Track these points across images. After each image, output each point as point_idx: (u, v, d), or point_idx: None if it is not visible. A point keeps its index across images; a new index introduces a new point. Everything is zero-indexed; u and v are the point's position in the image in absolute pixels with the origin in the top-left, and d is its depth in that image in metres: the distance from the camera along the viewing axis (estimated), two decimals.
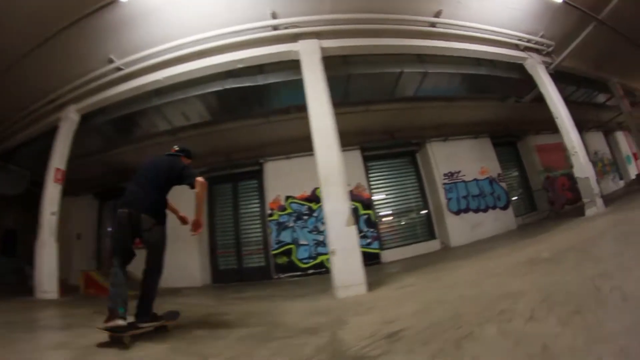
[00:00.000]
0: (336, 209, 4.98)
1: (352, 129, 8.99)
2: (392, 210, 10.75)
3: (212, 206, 9.84)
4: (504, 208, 11.68)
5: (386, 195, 10.87)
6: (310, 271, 8.93)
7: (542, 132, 14.79)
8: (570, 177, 15.05)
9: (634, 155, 21.85)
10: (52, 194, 6.79)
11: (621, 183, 19.40)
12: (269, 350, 2.63)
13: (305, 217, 9.44)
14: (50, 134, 7.25)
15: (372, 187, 10.66)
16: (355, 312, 3.73)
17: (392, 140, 10.79)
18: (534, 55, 8.92)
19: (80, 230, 10.63)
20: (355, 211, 9.14)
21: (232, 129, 8.70)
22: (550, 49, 9.21)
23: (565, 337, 1.85)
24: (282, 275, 8.93)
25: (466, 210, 10.86)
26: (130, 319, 2.91)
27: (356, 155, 10.21)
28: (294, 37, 6.30)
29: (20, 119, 7.80)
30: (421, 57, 7.61)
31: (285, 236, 9.26)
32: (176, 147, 3.71)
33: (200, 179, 3.18)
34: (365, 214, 9.75)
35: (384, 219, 10.53)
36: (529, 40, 8.75)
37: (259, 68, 6.85)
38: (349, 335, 2.82)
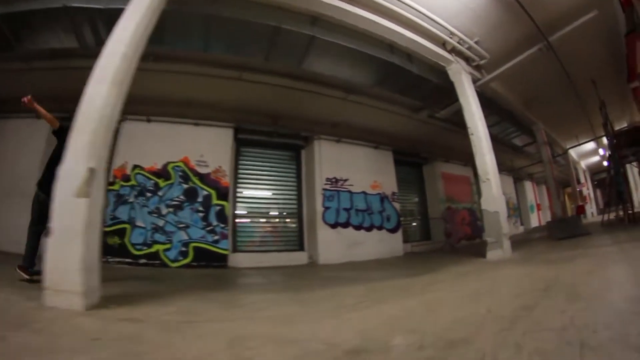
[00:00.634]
0: (70, 167, 3.01)
1: (224, 100, 7.90)
2: (258, 208, 9.04)
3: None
4: (393, 230, 10.51)
5: (254, 189, 9.10)
6: (143, 261, 7.02)
7: (451, 161, 14.31)
8: (472, 213, 14.83)
9: (538, 205, 22.90)
10: None
11: (521, 228, 19.96)
12: None
13: (149, 195, 7.30)
14: None
15: (240, 176, 8.87)
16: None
17: (274, 126, 9.04)
18: (462, 62, 7.65)
19: None
20: (207, 199, 7.75)
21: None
22: (481, 62, 8.00)
23: None
24: (111, 259, 6.86)
25: (345, 225, 9.42)
26: None
27: (226, 134, 8.39)
28: None
29: None
30: (315, 20, 5.97)
31: (122, 212, 7.25)
32: None
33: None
34: (218, 205, 7.80)
35: (244, 216, 8.77)
36: (459, 41, 7.33)
37: None
38: None
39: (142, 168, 7.54)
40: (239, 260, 7.78)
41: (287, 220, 9.32)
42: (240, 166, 8.87)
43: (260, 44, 5.86)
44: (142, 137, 7.64)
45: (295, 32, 5.73)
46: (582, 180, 22.05)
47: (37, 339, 2.14)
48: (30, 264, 3.78)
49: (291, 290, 4.74)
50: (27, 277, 3.70)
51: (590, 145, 18.49)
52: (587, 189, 22.64)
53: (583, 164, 23.02)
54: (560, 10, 6.98)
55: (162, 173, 7.56)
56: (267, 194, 9.23)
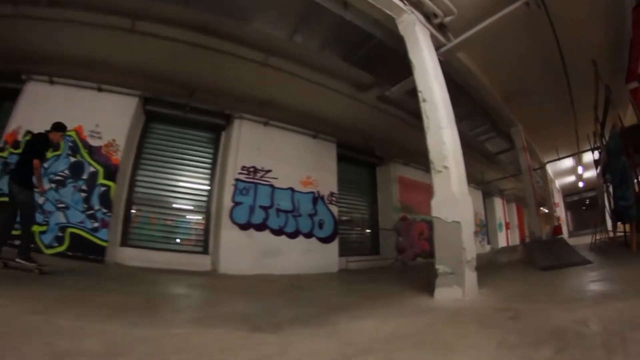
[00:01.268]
0: None
1: (130, 61, 6.68)
2: (160, 196, 7.19)
3: None
4: (326, 240, 8.41)
5: (159, 173, 7.27)
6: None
7: (412, 164, 11.99)
8: (432, 227, 12.53)
9: (507, 224, 21.07)
10: None
11: (488, 247, 17.95)
12: None
13: None
14: None
15: (144, 156, 7.23)
16: None
17: (190, 99, 7.28)
18: (418, 14, 5.24)
19: None
20: (93, 177, 6.42)
21: None
22: (447, 19, 5.73)
23: None
24: None
25: (260, 227, 7.40)
26: None
27: (129, 103, 6.85)
28: None
29: None
30: None
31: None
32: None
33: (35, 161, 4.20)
34: (103, 185, 6.36)
35: (141, 204, 7.03)
36: None
37: None
38: None
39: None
40: (127, 255, 6.33)
41: (193, 215, 7.40)
42: (147, 144, 7.28)
43: None
44: (42, 101, 6.39)
45: None
46: (556, 200, 20.42)
47: None
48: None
49: None
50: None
51: (568, 162, 16.69)
52: (560, 210, 20.98)
53: (557, 183, 21.39)
54: None
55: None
56: (174, 181, 7.36)
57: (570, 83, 8.15)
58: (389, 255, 10.48)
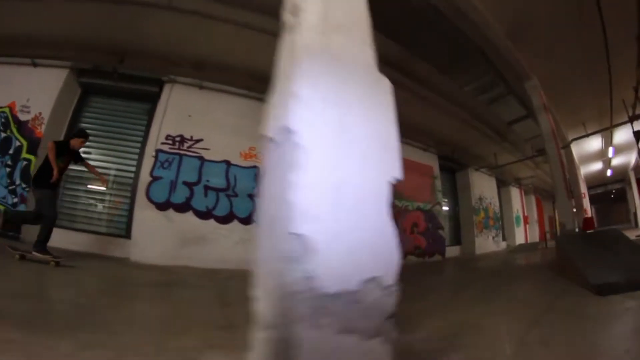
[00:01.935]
0: None
1: (58, 33, 5.92)
2: (85, 173, 5.87)
3: None
4: None
5: (88, 148, 6.04)
6: None
7: (406, 140, 9.58)
8: (430, 218, 10.14)
9: (525, 218, 18.27)
10: None
11: (503, 244, 15.27)
12: None
13: None
14: None
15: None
16: None
17: (118, 66, 6.37)
18: None
19: None
20: (18, 151, 5.95)
21: None
22: None
23: None
24: None
25: (183, 208, 6.00)
26: None
27: (57, 75, 6.25)
28: None
29: None
30: None
31: None
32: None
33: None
34: (26, 159, 5.86)
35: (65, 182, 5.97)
36: None
37: None
38: None
39: None
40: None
41: (118, 193, 6.29)
42: (83, 119, 6.56)
43: None
44: None
45: None
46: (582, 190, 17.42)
47: None
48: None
49: None
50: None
51: (595, 143, 13.85)
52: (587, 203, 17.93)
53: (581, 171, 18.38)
54: None
55: None
56: (104, 156, 6.44)
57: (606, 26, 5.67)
58: None
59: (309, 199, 1.16)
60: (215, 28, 5.50)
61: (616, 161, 16.74)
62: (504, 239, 15.90)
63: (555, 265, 4.80)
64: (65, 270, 3.94)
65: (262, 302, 1.20)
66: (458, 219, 12.57)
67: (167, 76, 6.41)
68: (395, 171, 1.44)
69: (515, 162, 12.74)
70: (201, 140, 6.28)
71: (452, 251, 11.37)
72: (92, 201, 6.13)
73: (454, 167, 12.68)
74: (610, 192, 22.45)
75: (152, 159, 6.01)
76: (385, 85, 1.59)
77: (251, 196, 6.18)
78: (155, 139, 6.13)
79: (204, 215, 5.93)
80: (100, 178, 4.76)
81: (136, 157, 6.30)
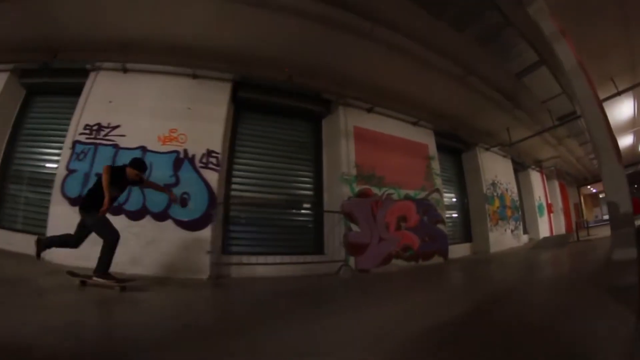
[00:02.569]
0: None
1: None
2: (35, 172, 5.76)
3: None
4: (193, 226, 5.21)
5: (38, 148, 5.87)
6: None
7: (380, 109, 7.40)
8: (426, 209, 7.72)
9: (549, 206, 15.53)
10: None
11: (524, 238, 12.67)
12: None
13: None
14: None
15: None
16: None
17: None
18: None
19: None
20: None
21: None
22: None
23: None
24: None
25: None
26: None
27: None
28: None
29: None
30: None
31: None
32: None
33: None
34: None
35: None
36: None
37: None
38: None
39: None
40: None
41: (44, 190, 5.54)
42: (31, 121, 6.14)
43: None
44: None
45: None
46: None
47: None
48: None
49: None
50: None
51: (626, 109, 11.00)
52: None
53: None
54: None
55: None
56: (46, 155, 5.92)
57: None
58: (336, 254, 5.97)
59: None
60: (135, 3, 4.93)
61: None
62: (525, 231, 13.30)
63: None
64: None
65: None
66: (467, 210, 10.12)
67: (91, 64, 5.82)
68: None
69: (533, 137, 10.19)
70: (118, 126, 5.46)
71: (459, 250, 8.97)
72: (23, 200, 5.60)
73: (458, 146, 10.27)
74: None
75: (68, 151, 5.32)
76: None
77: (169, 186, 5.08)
78: (74, 131, 5.43)
79: (114, 210, 4.63)
80: (170, 195, 4.44)
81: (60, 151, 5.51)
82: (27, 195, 5.62)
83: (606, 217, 26.21)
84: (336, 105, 7.22)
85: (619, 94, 8.23)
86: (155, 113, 5.56)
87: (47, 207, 5.12)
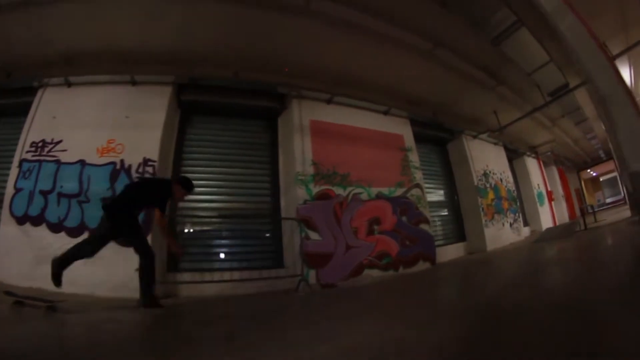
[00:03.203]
0: None
1: None
2: None
3: None
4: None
5: None
6: None
7: (339, 98, 6.34)
8: (405, 208, 6.57)
9: (549, 193, 14.35)
10: None
11: (526, 231, 11.47)
12: None
13: None
14: None
15: None
16: None
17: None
18: None
19: None
20: None
21: None
22: None
23: None
24: None
25: (37, 221, 4.74)
26: None
27: None
28: None
29: None
30: None
31: None
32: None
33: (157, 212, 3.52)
34: None
35: None
36: None
37: None
38: None
39: None
40: None
41: None
42: None
43: None
44: None
45: None
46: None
47: None
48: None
49: None
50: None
51: (624, 76, 9.85)
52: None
53: None
54: None
55: None
56: None
57: None
58: (292, 269, 4.94)
59: None
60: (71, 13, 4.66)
61: None
62: (525, 223, 12.11)
63: None
64: None
65: None
66: (457, 206, 8.96)
67: (39, 81, 5.44)
68: None
69: (524, 118, 9.06)
70: (60, 141, 5.11)
71: (452, 251, 7.81)
72: None
73: (442, 136, 9.16)
74: None
75: (16, 170, 5.01)
76: None
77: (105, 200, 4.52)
78: (21, 149, 5.10)
79: (55, 227, 4.68)
80: (176, 248, 3.98)
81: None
82: None
83: (610, 199, 25.03)
84: (290, 98, 6.20)
85: (613, 58, 7.13)
86: (94, 124, 5.16)
87: None
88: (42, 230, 4.72)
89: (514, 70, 7.10)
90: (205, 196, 5.47)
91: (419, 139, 8.04)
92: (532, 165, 13.61)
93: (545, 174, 14.56)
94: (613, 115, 3.40)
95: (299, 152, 5.86)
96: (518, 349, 1.26)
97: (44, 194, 4.86)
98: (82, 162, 4.96)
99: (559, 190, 15.78)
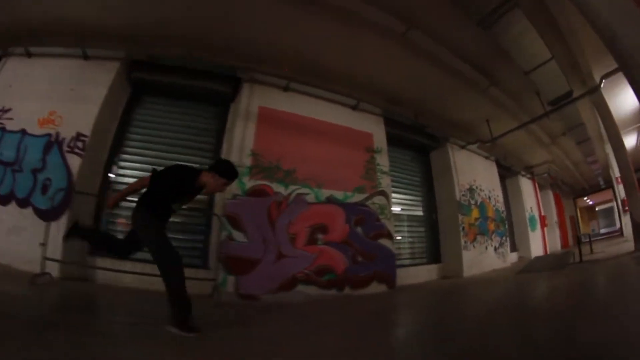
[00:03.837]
0: None
1: None
2: None
3: None
4: (49, 215, 4.26)
5: None
6: None
7: (296, 84, 5.48)
8: (365, 217, 5.31)
9: (542, 218, 13.18)
10: None
11: (512, 257, 10.30)
12: None
13: None
14: None
15: None
16: None
17: None
18: None
19: None
20: None
21: None
22: None
23: None
24: None
25: None
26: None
27: None
28: None
29: None
30: None
31: None
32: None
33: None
34: None
35: None
36: None
37: None
38: None
39: None
40: None
41: None
42: None
43: None
44: None
45: None
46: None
47: None
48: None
49: None
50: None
51: (630, 97, 8.58)
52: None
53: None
54: None
55: None
56: None
57: None
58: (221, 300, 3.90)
59: None
60: None
61: None
62: (513, 249, 10.95)
63: None
64: None
65: None
66: (435, 222, 7.82)
67: (3, 50, 5.07)
68: None
69: (520, 128, 7.95)
70: (9, 110, 4.68)
71: (422, 273, 6.68)
72: None
73: (424, 142, 8.03)
74: None
75: None
76: None
77: (35, 172, 4.38)
78: None
79: None
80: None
81: None
82: None
83: (604, 230, 23.76)
84: (242, 82, 5.23)
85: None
86: (42, 96, 4.78)
87: None
88: None
89: (509, 68, 6.00)
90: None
91: (394, 141, 6.96)
92: (526, 186, 12.48)
93: (540, 197, 13.42)
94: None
95: (238, 140, 4.89)
96: None
97: None
98: (23, 131, 4.61)
99: (554, 216, 14.62)
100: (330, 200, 5.10)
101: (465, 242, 7.50)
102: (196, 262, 4.65)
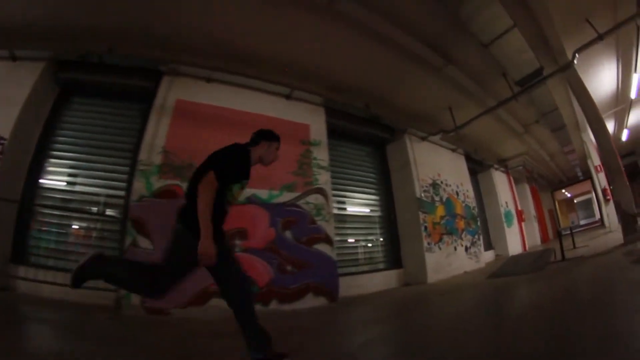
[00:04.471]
0: None
1: None
2: None
3: None
4: None
5: None
6: None
7: (220, 74, 4.74)
8: (297, 219, 4.26)
9: (519, 213, 12.52)
10: None
11: (487, 256, 9.54)
12: None
13: None
14: None
15: None
16: None
17: None
18: None
19: None
20: None
21: None
22: None
23: None
24: None
25: None
26: None
27: None
28: None
29: None
30: None
31: None
32: None
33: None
34: None
35: None
36: None
37: None
38: None
39: None
40: None
41: None
42: None
43: None
44: None
45: None
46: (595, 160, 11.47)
47: None
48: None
49: None
50: None
51: (608, 73, 7.88)
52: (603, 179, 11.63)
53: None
54: None
55: None
56: None
57: None
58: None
59: None
60: None
61: (636, 117, 11.02)
62: (489, 247, 10.21)
63: None
64: None
65: None
66: (393, 222, 6.96)
67: None
68: None
69: (486, 114, 7.19)
70: None
71: (378, 281, 5.80)
72: None
73: (379, 135, 7.19)
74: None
75: None
76: None
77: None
78: None
79: None
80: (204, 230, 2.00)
81: None
82: None
83: (583, 221, 23.46)
84: (161, 75, 4.40)
85: (600, 38, 5.32)
86: None
87: None
88: None
89: (465, 41, 5.20)
90: (70, 185, 4.52)
91: (341, 134, 6.11)
92: (500, 180, 11.80)
93: (515, 191, 12.78)
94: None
95: (149, 137, 4.08)
96: None
97: None
98: None
99: (531, 210, 14.01)
100: (252, 200, 4.18)
101: (428, 243, 6.67)
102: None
